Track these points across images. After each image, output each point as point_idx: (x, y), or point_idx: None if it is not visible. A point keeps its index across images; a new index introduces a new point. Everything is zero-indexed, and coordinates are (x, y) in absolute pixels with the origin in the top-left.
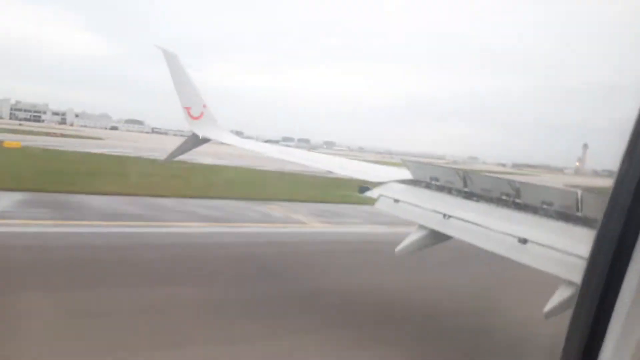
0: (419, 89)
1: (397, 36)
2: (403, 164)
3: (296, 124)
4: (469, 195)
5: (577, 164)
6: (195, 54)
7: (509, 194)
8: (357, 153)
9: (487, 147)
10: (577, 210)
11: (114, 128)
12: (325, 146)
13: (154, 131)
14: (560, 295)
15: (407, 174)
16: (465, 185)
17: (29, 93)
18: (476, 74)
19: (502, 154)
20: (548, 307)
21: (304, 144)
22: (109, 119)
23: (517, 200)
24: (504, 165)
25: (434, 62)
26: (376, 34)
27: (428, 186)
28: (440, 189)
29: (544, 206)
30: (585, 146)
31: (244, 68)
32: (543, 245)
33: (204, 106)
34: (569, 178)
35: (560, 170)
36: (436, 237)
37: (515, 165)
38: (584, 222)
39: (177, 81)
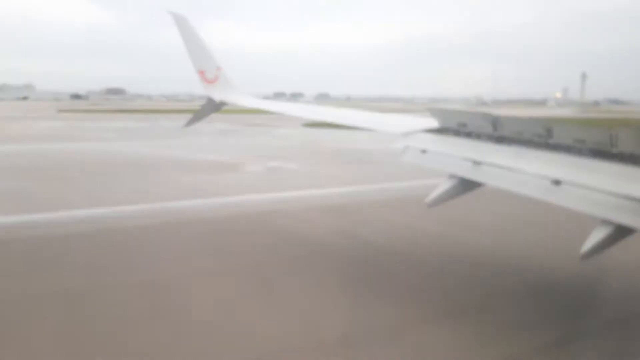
0: (418, 27)
1: None
2: (429, 112)
3: (292, 79)
4: (499, 140)
5: (557, 95)
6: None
7: (540, 134)
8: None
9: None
10: (612, 146)
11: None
12: (318, 99)
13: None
14: (597, 235)
15: (431, 123)
16: (495, 129)
17: None
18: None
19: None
20: (585, 247)
21: (299, 97)
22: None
23: (549, 141)
24: (485, 103)
25: None
26: None
27: (456, 133)
28: (469, 135)
29: (577, 145)
30: (584, 76)
31: (242, 26)
32: (577, 185)
33: (219, 69)
34: (545, 110)
35: (542, 104)
36: (467, 185)
37: (495, 102)
38: (619, 158)
39: (189, 44)
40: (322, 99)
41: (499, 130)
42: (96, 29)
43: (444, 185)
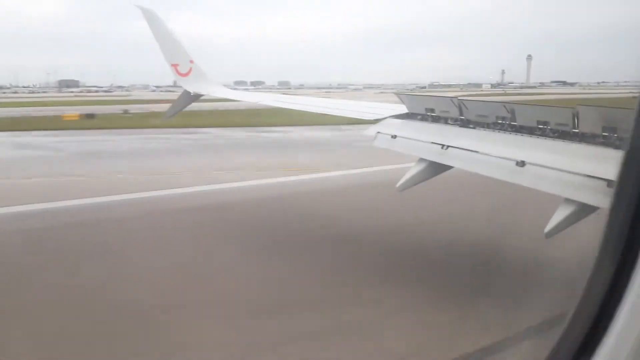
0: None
1: None
2: (397, 97)
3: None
4: (465, 123)
5: (490, 78)
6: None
7: (504, 117)
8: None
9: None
10: (574, 126)
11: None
12: (278, 87)
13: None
14: (560, 214)
15: (401, 108)
16: (461, 113)
17: None
18: None
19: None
20: (549, 226)
21: (259, 86)
22: None
23: (513, 123)
24: (423, 87)
25: None
26: None
27: (424, 118)
28: (437, 119)
29: (540, 126)
30: (529, 57)
31: (209, 15)
32: (541, 166)
33: (191, 62)
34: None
35: (479, 86)
36: (436, 169)
37: (432, 85)
38: (581, 138)
39: (160, 39)
40: (283, 86)
41: (465, 114)
42: (49, 21)
43: (413, 169)
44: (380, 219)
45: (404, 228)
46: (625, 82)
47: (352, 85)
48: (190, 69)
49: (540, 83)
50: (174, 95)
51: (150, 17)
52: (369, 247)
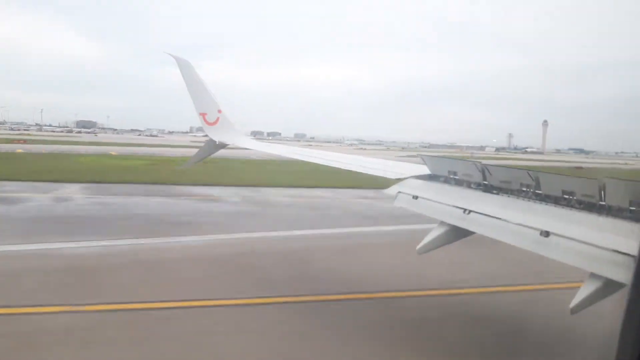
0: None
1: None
2: (419, 157)
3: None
4: (488, 189)
5: (493, 141)
6: (188, 53)
7: (528, 184)
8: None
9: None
10: (600, 199)
11: None
12: (294, 138)
13: None
14: (586, 289)
15: (423, 169)
16: (484, 178)
17: None
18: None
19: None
20: (574, 302)
21: (276, 136)
22: None
23: (538, 191)
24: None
25: None
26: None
27: (447, 181)
28: (459, 182)
29: (565, 196)
30: (545, 123)
31: (232, 64)
32: (565, 237)
33: (219, 111)
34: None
35: (482, 149)
36: (457, 233)
37: (423, 145)
38: (608, 211)
39: (192, 88)
40: (299, 138)
41: (488, 179)
42: (81, 63)
43: (434, 232)
44: None
45: None
46: None
47: (348, 140)
48: (218, 119)
49: (556, 150)
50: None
51: (184, 66)
52: None
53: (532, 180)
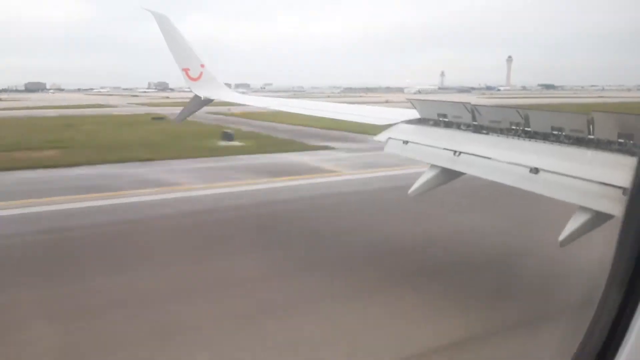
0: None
1: None
2: (409, 102)
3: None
4: (478, 129)
5: (406, 80)
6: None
7: (518, 123)
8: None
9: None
10: (589, 133)
11: None
12: (264, 88)
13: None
14: (575, 222)
15: (412, 113)
16: (473, 119)
17: None
18: None
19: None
20: (563, 235)
21: (244, 89)
22: None
23: (527, 129)
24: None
25: None
26: None
27: (436, 124)
28: (449, 125)
29: (554, 132)
30: (510, 59)
31: (217, 16)
32: (555, 173)
33: (202, 66)
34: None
35: (400, 90)
36: (448, 175)
37: (346, 90)
38: (597, 144)
39: (172, 43)
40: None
41: (478, 120)
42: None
43: (425, 175)
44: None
45: None
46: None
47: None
48: (201, 74)
49: (522, 87)
50: None
51: (162, 22)
52: None
53: (522, 118)
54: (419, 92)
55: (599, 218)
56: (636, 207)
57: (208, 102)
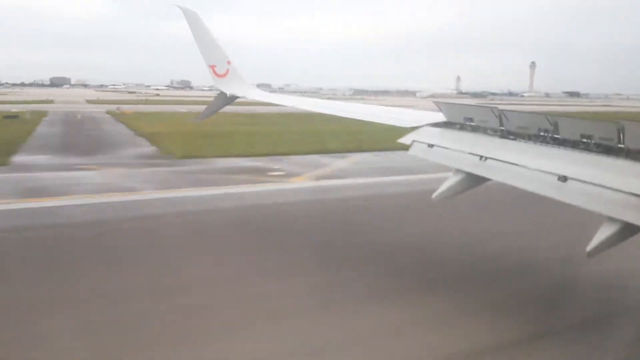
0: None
1: None
2: (436, 105)
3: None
4: (505, 134)
5: (422, 86)
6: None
7: (546, 129)
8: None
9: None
10: (619, 142)
11: None
12: (283, 89)
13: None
14: (603, 233)
15: (439, 117)
16: (501, 124)
17: None
18: None
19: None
20: (591, 245)
21: (265, 88)
22: None
23: (556, 136)
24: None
25: None
26: None
27: (462, 127)
28: (475, 129)
29: (584, 140)
30: (533, 65)
31: (242, 17)
32: (583, 182)
33: (229, 63)
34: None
35: (412, 94)
36: (473, 180)
37: (357, 92)
38: (627, 154)
39: (200, 39)
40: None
41: (505, 125)
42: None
43: (450, 179)
44: None
45: None
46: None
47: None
48: (228, 71)
49: (545, 93)
50: None
51: (191, 18)
52: None
53: (550, 124)
54: (432, 96)
55: (628, 230)
56: None
57: (233, 99)
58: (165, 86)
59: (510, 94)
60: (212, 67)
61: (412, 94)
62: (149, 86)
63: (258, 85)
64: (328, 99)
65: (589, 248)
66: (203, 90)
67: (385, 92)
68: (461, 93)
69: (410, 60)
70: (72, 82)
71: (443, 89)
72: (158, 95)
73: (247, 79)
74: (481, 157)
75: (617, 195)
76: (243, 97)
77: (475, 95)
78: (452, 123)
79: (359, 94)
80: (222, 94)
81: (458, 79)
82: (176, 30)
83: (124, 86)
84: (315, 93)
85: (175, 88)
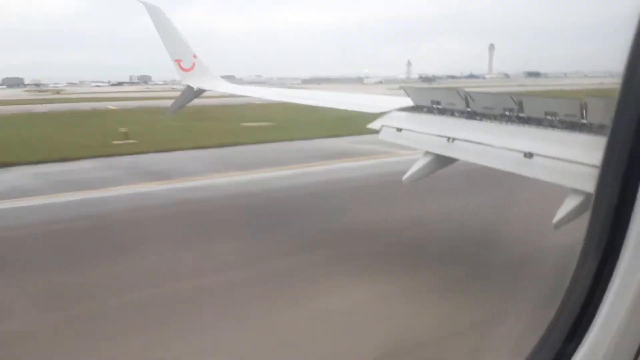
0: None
1: None
2: (402, 90)
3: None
4: (471, 115)
5: (365, 71)
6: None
7: (511, 108)
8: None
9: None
10: (582, 117)
11: None
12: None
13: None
14: (569, 204)
15: (406, 101)
16: (467, 105)
17: None
18: None
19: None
20: (557, 217)
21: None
22: None
23: (520, 114)
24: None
25: None
26: None
27: (430, 111)
28: (443, 112)
29: (548, 117)
30: (492, 47)
31: (214, 8)
32: (549, 157)
33: (195, 57)
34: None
35: (360, 81)
36: (442, 162)
37: (305, 81)
38: (589, 129)
39: (164, 34)
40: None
41: (471, 106)
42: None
43: (420, 161)
44: None
45: None
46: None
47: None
48: (194, 64)
49: (504, 74)
50: None
51: (154, 13)
52: None
53: (515, 104)
54: (381, 82)
55: (591, 199)
56: (604, 192)
57: (201, 92)
58: (107, 82)
59: (472, 76)
60: (178, 61)
61: (360, 80)
62: (82, 82)
63: (223, 77)
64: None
65: (555, 220)
66: (157, 84)
67: (328, 80)
68: (411, 78)
69: (363, 47)
70: (26, 82)
71: (393, 74)
72: (58, 93)
73: (214, 71)
74: (449, 138)
75: (581, 168)
76: (210, 90)
77: (427, 79)
78: (420, 107)
79: (307, 83)
80: (190, 87)
81: (409, 63)
82: (140, 25)
83: (63, 85)
84: (264, 83)
85: (134, 83)
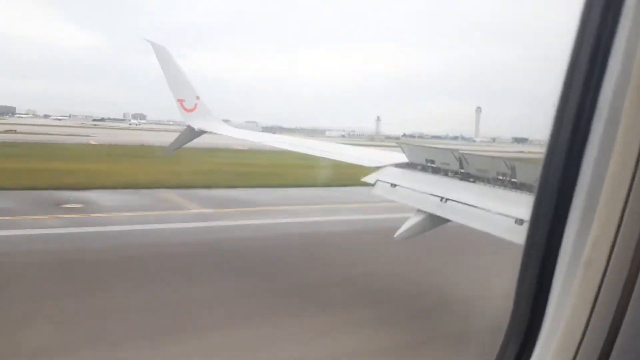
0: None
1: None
2: (398, 146)
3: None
4: (465, 177)
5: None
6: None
7: (504, 173)
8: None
9: None
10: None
11: None
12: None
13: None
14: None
15: (401, 157)
16: (461, 166)
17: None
18: None
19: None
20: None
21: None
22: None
23: (513, 180)
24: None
25: None
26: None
27: (424, 169)
28: (437, 171)
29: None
30: (479, 110)
31: (223, 54)
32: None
33: (197, 98)
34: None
35: (321, 133)
36: (435, 221)
37: (265, 129)
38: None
39: (169, 74)
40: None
41: (465, 168)
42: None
43: (412, 219)
44: None
45: None
46: None
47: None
48: (196, 105)
49: (492, 139)
50: None
51: (160, 53)
52: None
53: (508, 168)
54: (342, 137)
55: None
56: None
57: (201, 133)
58: (68, 115)
59: (462, 138)
60: (181, 101)
61: (322, 132)
62: (48, 116)
63: (247, 122)
64: None
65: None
66: (148, 122)
67: (292, 130)
68: (379, 134)
69: (333, 100)
70: (18, 110)
71: (360, 129)
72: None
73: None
74: (442, 198)
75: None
76: (211, 132)
77: (393, 138)
78: (414, 164)
79: (269, 130)
80: (190, 128)
81: (378, 119)
82: (144, 64)
83: (60, 118)
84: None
85: (119, 120)
